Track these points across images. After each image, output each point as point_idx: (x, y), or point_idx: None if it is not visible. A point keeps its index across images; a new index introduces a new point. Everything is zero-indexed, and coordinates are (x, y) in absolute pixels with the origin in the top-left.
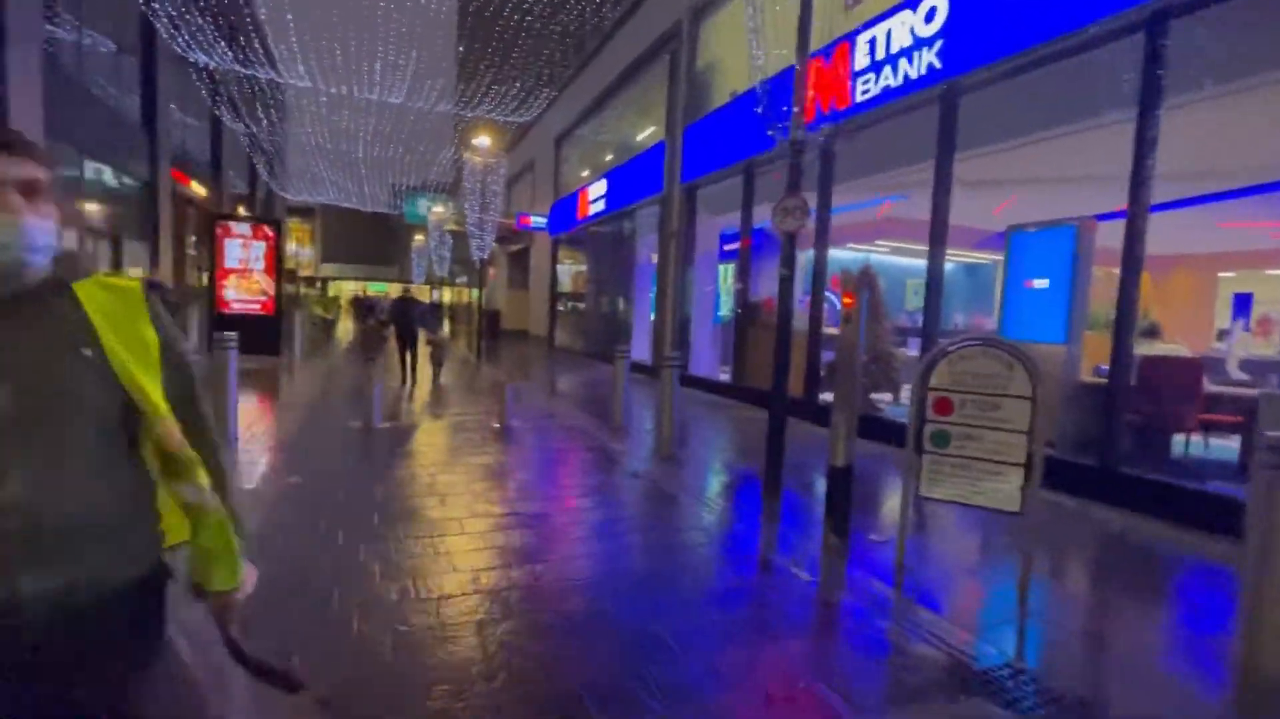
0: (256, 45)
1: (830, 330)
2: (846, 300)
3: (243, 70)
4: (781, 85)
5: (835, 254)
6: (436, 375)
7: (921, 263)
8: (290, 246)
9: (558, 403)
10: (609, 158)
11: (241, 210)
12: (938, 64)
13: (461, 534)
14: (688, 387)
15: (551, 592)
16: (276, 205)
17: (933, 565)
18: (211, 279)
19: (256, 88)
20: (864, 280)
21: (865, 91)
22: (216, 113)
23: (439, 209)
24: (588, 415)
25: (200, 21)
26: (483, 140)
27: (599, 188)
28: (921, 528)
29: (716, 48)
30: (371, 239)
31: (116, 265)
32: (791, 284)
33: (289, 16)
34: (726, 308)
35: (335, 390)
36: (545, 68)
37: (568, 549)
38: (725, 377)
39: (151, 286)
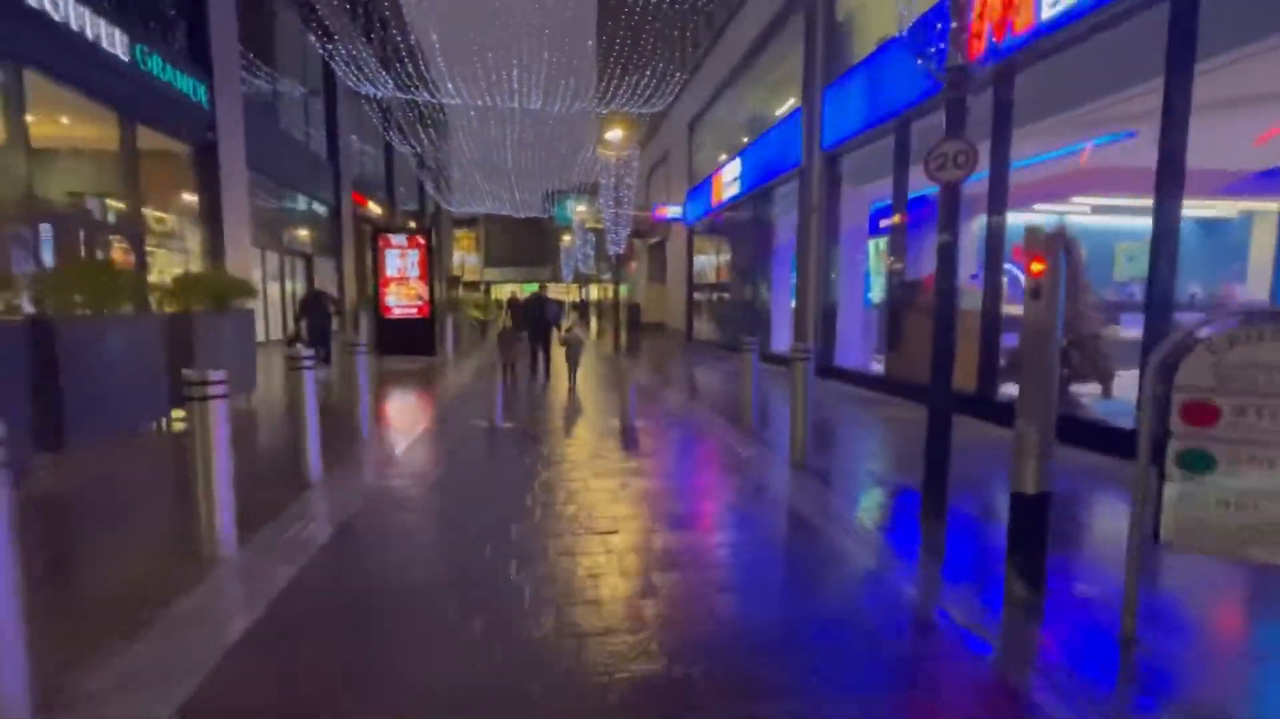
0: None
1: (1012, 309)
2: (1035, 266)
3: (403, 96)
4: (940, 14)
5: (1018, 219)
6: (573, 375)
7: (1134, 222)
8: (456, 255)
9: (687, 400)
10: (744, 138)
11: (412, 224)
12: None
13: (539, 570)
14: (833, 380)
15: (622, 659)
16: (443, 218)
17: (1177, 636)
18: (375, 287)
19: (417, 111)
20: (1057, 241)
21: (1055, 3)
22: (387, 138)
23: (581, 208)
24: (718, 415)
25: (366, 55)
26: (614, 134)
27: (733, 169)
28: (1154, 576)
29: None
30: (527, 243)
31: (310, 281)
32: (954, 252)
33: (434, 38)
34: (878, 290)
35: (474, 388)
36: (676, 50)
37: (659, 604)
38: (878, 368)
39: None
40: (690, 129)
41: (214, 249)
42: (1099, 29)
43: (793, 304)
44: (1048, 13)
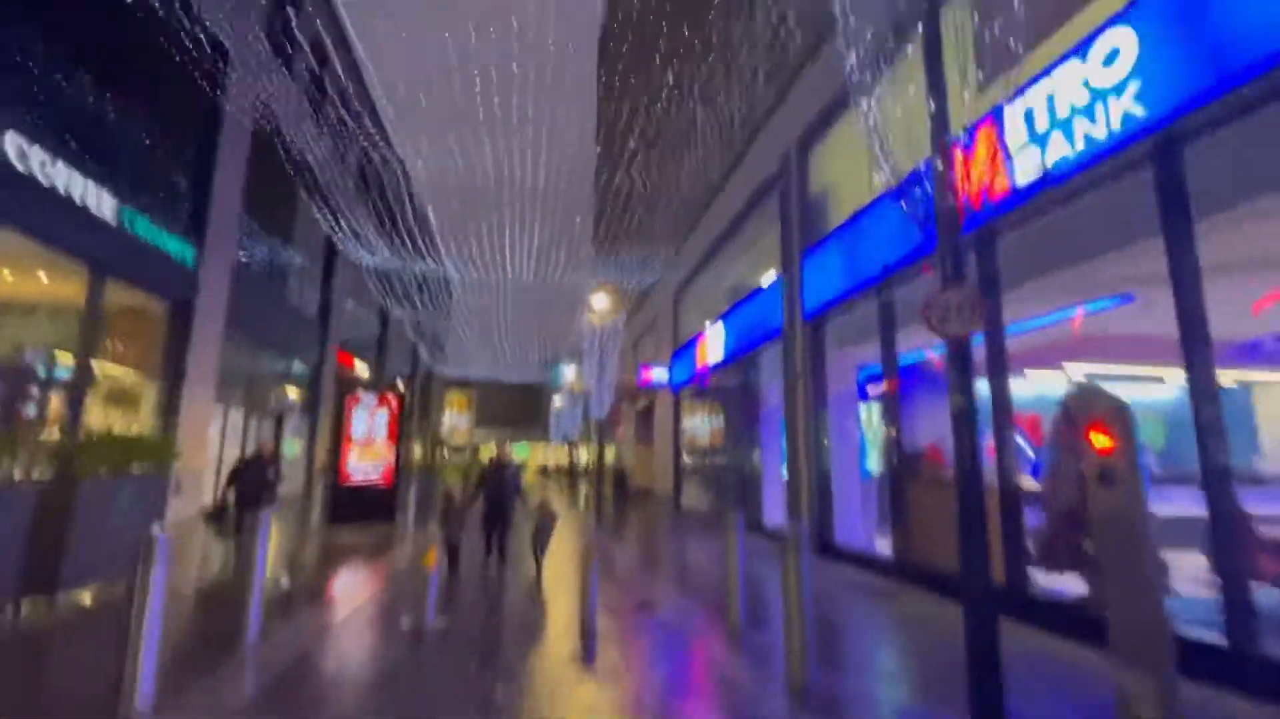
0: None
1: (1027, 483)
2: (1099, 440)
3: (401, 265)
4: (917, 180)
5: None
6: (539, 558)
7: (1133, 391)
8: (447, 416)
9: (667, 585)
10: (727, 305)
11: (400, 385)
12: (1139, 112)
13: None
14: (833, 560)
15: None
16: (435, 379)
17: None
18: (336, 450)
19: (415, 279)
20: (1121, 416)
21: (1026, 172)
22: (383, 304)
23: (571, 372)
24: (700, 605)
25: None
26: (600, 299)
27: (717, 334)
28: None
29: (830, 173)
30: (520, 405)
31: (277, 440)
32: (973, 418)
33: (429, 210)
34: (875, 459)
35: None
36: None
37: None
38: (882, 548)
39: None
40: (676, 298)
41: (169, 406)
42: (1080, 193)
43: (784, 473)
44: (1022, 180)
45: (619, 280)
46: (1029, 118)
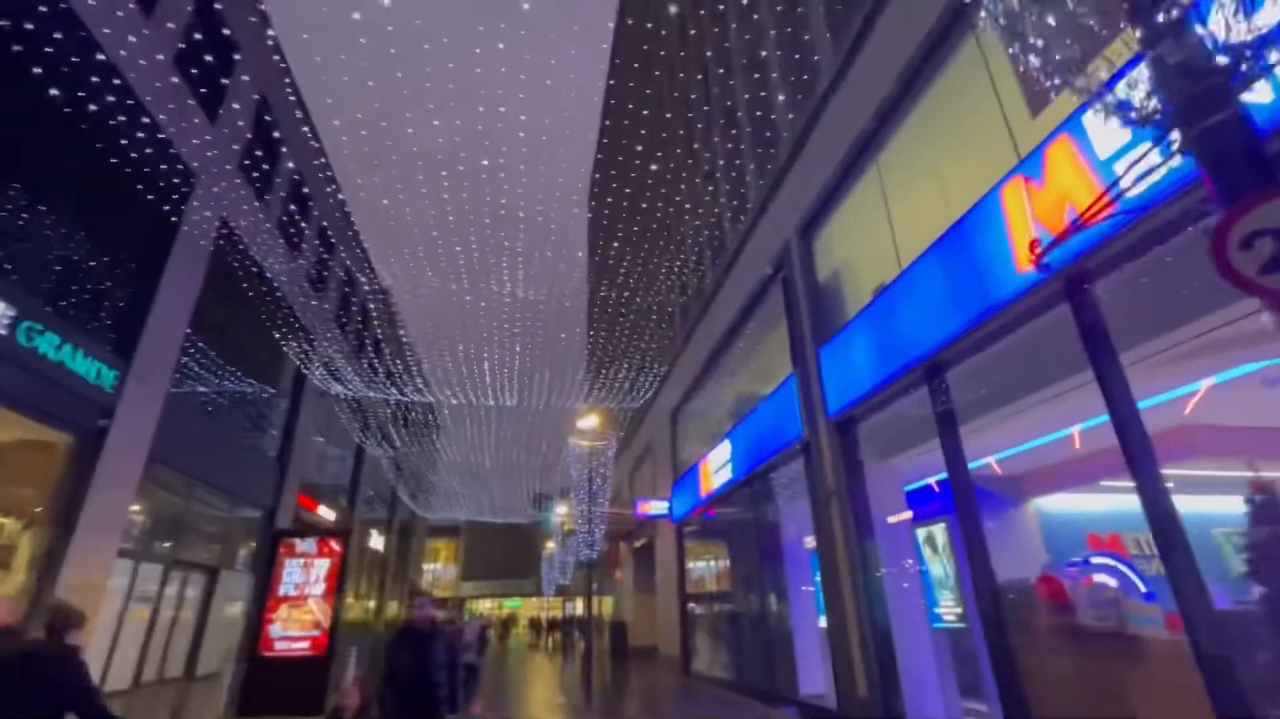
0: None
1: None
2: None
3: (377, 395)
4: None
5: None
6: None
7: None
8: (429, 567)
9: None
10: (731, 422)
11: (375, 534)
12: None
13: None
14: None
15: None
16: (417, 526)
17: None
18: (259, 612)
19: (394, 412)
20: None
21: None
22: (359, 440)
23: (562, 510)
24: None
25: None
26: (589, 421)
27: (722, 453)
28: None
29: (839, 254)
30: (510, 554)
31: (207, 597)
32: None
33: (406, 331)
34: (948, 601)
35: None
36: (652, 345)
37: None
38: None
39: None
40: (673, 419)
41: (49, 561)
42: None
43: (821, 622)
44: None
45: (609, 403)
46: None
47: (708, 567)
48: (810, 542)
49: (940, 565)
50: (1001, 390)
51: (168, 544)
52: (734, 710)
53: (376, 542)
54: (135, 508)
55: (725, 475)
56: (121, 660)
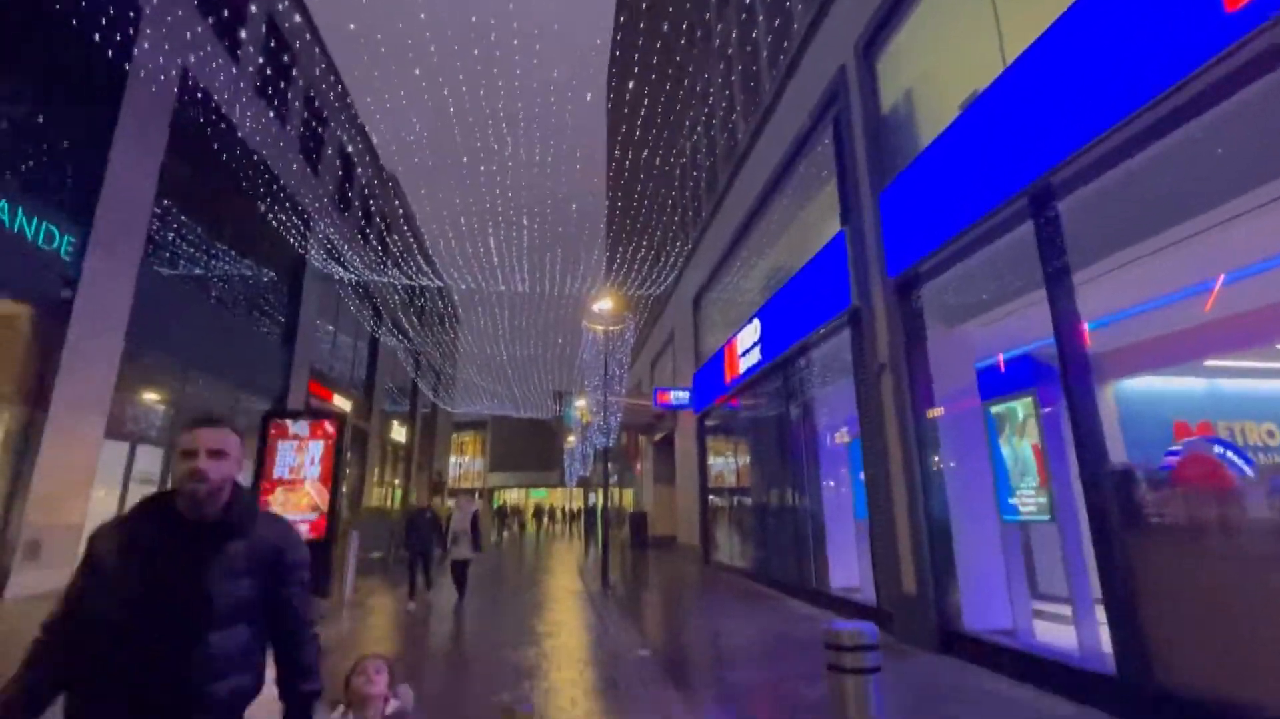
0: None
1: None
2: None
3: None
4: None
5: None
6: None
7: None
8: (456, 459)
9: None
10: (759, 304)
11: (395, 424)
12: None
13: None
14: (967, 662)
15: None
16: (439, 419)
17: None
18: (254, 493)
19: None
20: None
21: None
22: (372, 330)
23: (581, 403)
24: None
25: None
26: (603, 304)
27: (750, 334)
28: None
29: (914, 74)
30: (534, 447)
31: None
32: None
33: (421, 206)
34: (1027, 490)
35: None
36: (675, 218)
37: None
38: (1065, 644)
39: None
40: (695, 305)
41: (26, 440)
42: None
43: (857, 517)
44: None
45: (627, 290)
46: None
47: (730, 459)
48: (843, 435)
49: (1016, 449)
50: (1137, 221)
51: (164, 428)
52: (757, 601)
53: (398, 433)
54: (127, 391)
55: (753, 359)
56: None
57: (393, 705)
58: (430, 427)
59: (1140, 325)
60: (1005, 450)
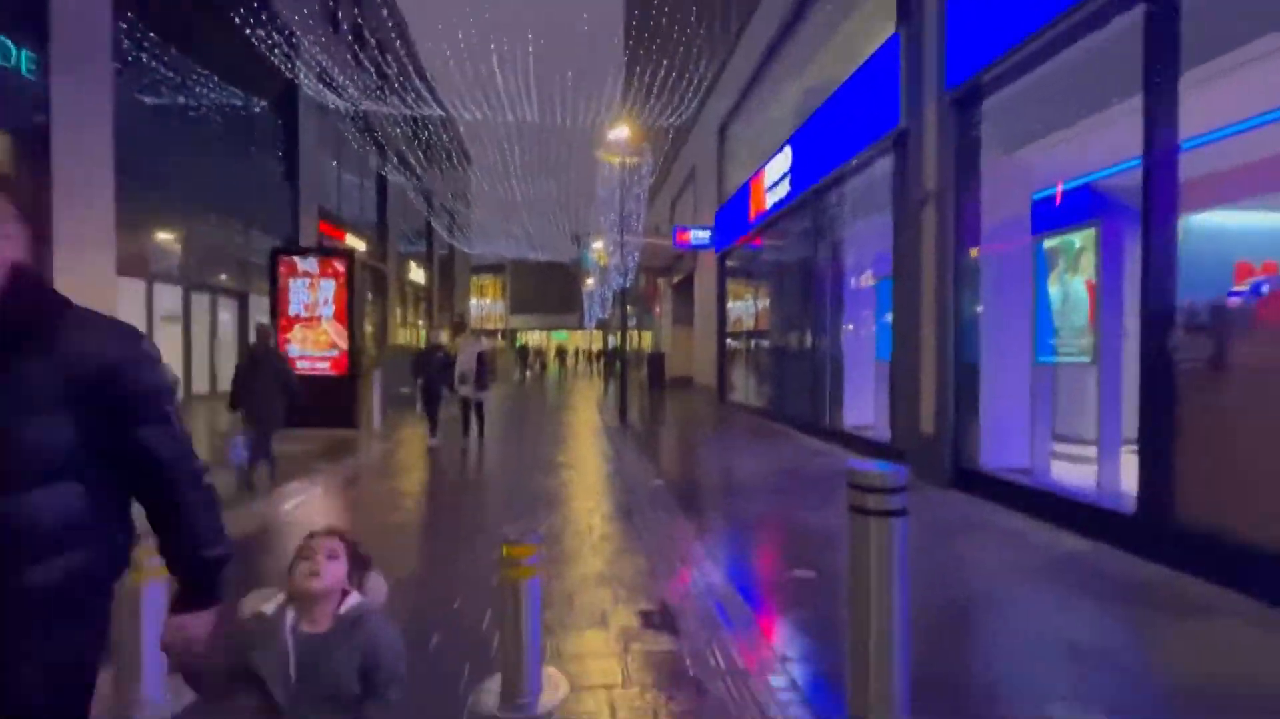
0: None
1: None
2: None
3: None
4: None
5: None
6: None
7: None
8: (477, 302)
9: (713, 543)
10: (790, 132)
11: (412, 265)
12: None
13: None
14: (978, 495)
15: None
16: (457, 261)
17: None
18: (274, 331)
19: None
20: None
21: None
22: (380, 170)
23: (598, 245)
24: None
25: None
26: (619, 133)
27: (779, 164)
28: None
29: None
30: (554, 289)
31: (242, 322)
32: None
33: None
34: (1071, 331)
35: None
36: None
37: None
38: (1082, 484)
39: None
40: (720, 136)
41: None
42: None
43: (877, 360)
44: None
45: (645, 120)
46: None
47: (750, 300)
48: (868, 278)
49: (1067, 286)
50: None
51: (180, 267)
52: (770, 437)
53: (417, 274)
54: (133, 228)
55: (782, 192)
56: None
57: (350, 601)
58: (448, 269)
59: (1221, 152)
60: (1053, 289)
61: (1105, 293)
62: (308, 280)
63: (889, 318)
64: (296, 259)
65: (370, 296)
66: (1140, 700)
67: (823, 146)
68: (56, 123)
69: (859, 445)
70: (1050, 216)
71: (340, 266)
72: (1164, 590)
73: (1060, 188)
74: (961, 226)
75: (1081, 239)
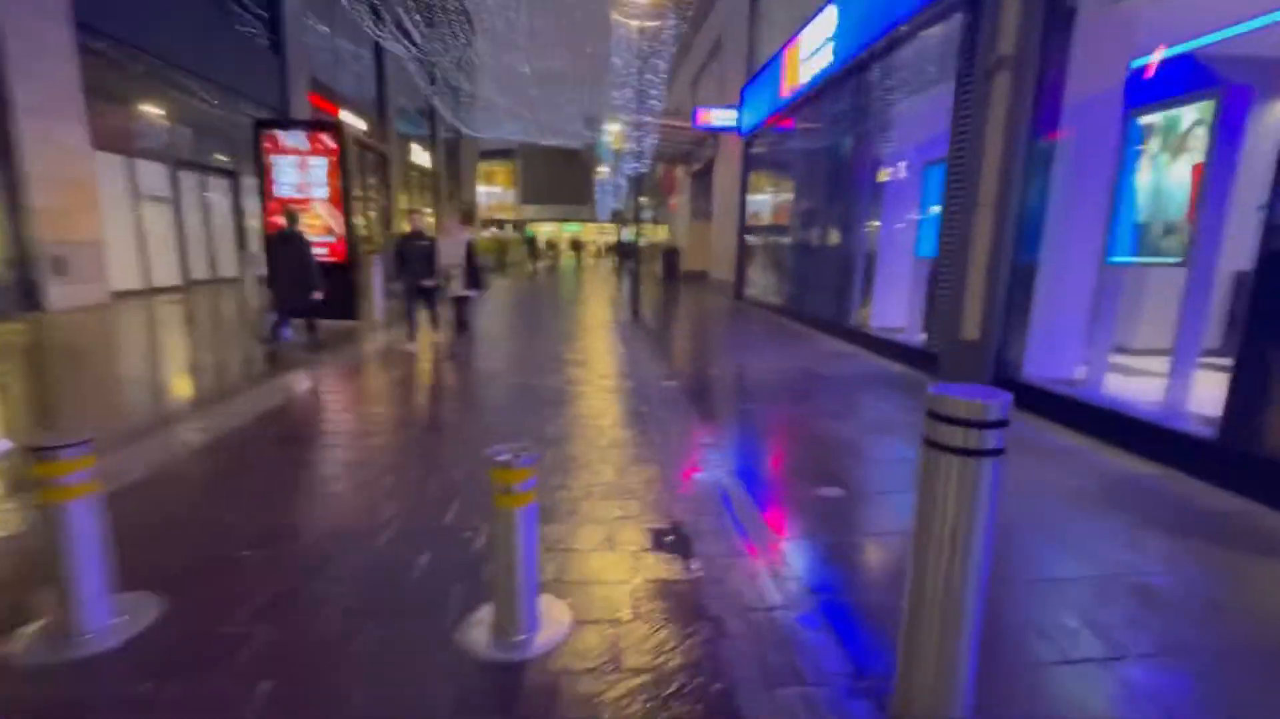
0: None
1: None
2: None
3: None
4: None
5: None
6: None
7: None
8: (485, 189)
9: (731, 454)
10: None
11: (416, 148)
12: None
13: None
14: (1025, 410)
15: None
16: (464, 146)
17: None
18: (264, 215)
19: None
20: None
21: None
22: (375, 33)
23: (615, 128)
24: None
25: None
26: None
27: (820, 29)
28: None
29: None
30: (566, 178)
31: (236, 203)
32: None
33: None
34: (1162, 225)
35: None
36: None
37: None
38: (1134, 392)
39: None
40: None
41: (2, 150)
42: None
43: (916, 257)
44: None
45: None
46: None
47: (775, 190)
48: (900, 170)
49: (1165, 171)
50: None
51: (164, 143)
52: (789, 336)
53: (420, 157)
54: (105, 98)
55: (821, 62)
56: (163, 262)
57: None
58: (455, 153)
59: None
60: (1144, 176)
61: (1213, 180)
62: (297, 158)
63: (934, 209)
64: (280, 133)
65: (372, 180)
66: (1224, 650)
67: (875, 4)
68: None
69: (887, 349)
70: (1143, 90)
71: (331, 142)
72: (1250, 524)
73: (1160, 53)
74: (1041, 97)
75: (1198, 112)
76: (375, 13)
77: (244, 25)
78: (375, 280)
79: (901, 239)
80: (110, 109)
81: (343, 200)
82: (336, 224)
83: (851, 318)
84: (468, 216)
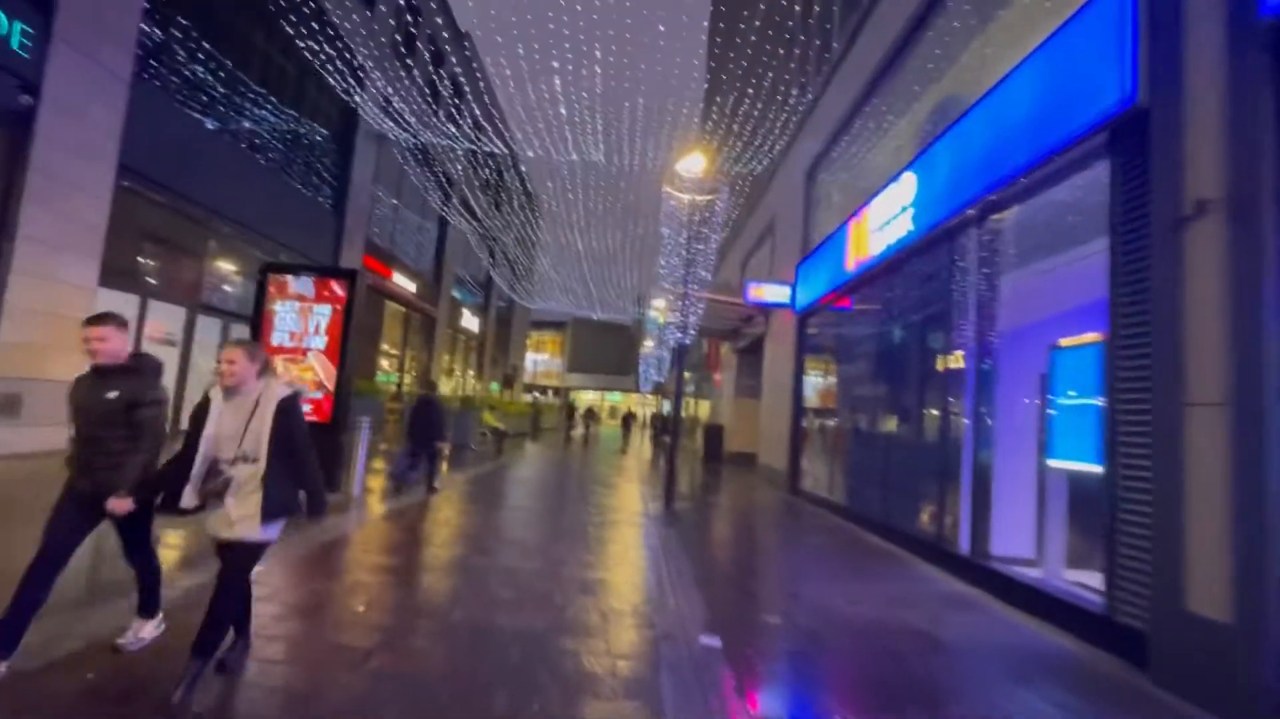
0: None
1: None
2: None
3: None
4: None
5: None
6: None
7: None
8: (535, 356)
9: None
10: (908, 157)
11: (466, 313)
12: None
13: None
14: None
15: None
16: (517, 316)
17: None
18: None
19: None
20: None
21: None
22: (441, 210)
23: (659, 303)
24: None
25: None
26: (690, 163)
27: (896, 196)
28: None
29: None
30: (614, 351)
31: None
32: None
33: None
34: None
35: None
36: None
37: None
38: None
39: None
40: (808, 180)
41: None
42: None
43: (1048, 464)
44: None
45: (723, 162)
46: None
47: (839, 373)
48: (1004, 351)
49: None
50: None
51: (192, 286)
52: (872, 557)
53: (470, 322)
54: (132, 236)
55: (898, 231)
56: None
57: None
58: (507, 320)
59: None
60: None
61: None
62: (299, 304)
63: (1069, 398)
64: (289, 278)
65: (416, 339)
66: None
67: (968, 165)
68: (46, 107)
69: (1025, 598)
70: None
71: (340, 290)
72: None
73: None
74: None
75: None
76: (444, 190)
77: (310, 185)
78: (361, 447)
79: (1022, 436)
80: (133, 247)
81: (340, 354)
82: (328, 378)
83: (961, 540)
84: (509, 380)
